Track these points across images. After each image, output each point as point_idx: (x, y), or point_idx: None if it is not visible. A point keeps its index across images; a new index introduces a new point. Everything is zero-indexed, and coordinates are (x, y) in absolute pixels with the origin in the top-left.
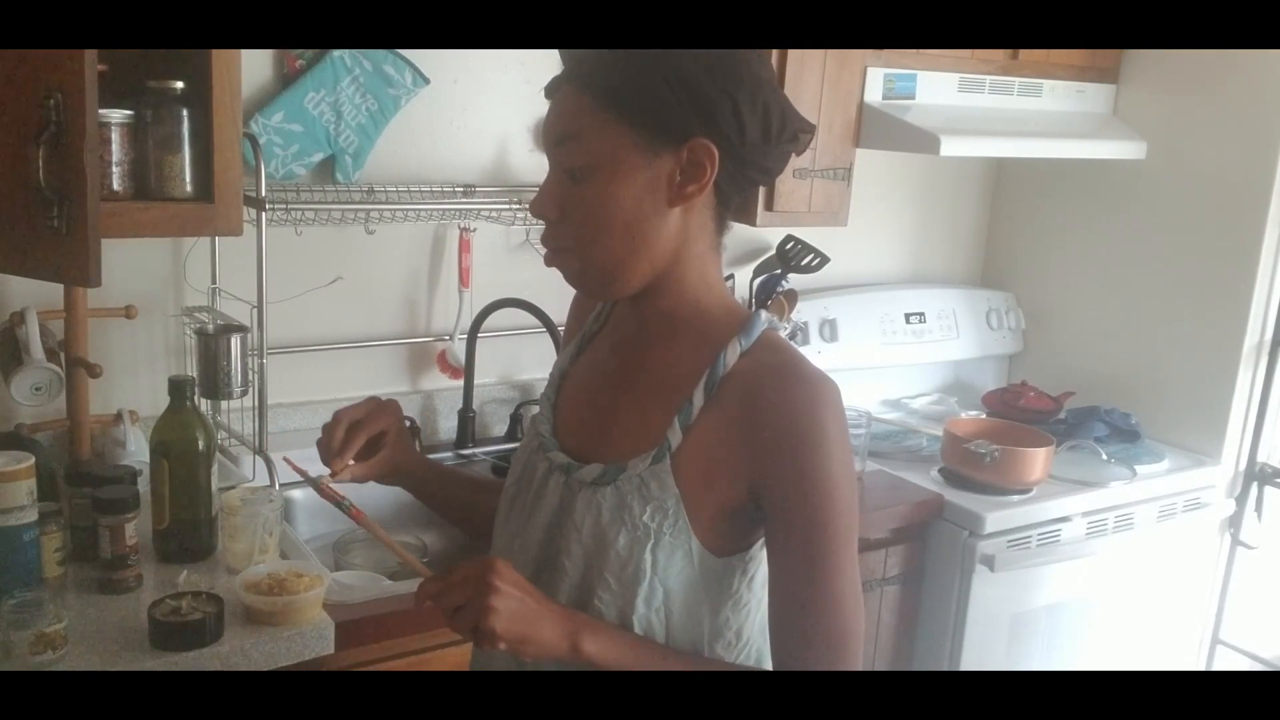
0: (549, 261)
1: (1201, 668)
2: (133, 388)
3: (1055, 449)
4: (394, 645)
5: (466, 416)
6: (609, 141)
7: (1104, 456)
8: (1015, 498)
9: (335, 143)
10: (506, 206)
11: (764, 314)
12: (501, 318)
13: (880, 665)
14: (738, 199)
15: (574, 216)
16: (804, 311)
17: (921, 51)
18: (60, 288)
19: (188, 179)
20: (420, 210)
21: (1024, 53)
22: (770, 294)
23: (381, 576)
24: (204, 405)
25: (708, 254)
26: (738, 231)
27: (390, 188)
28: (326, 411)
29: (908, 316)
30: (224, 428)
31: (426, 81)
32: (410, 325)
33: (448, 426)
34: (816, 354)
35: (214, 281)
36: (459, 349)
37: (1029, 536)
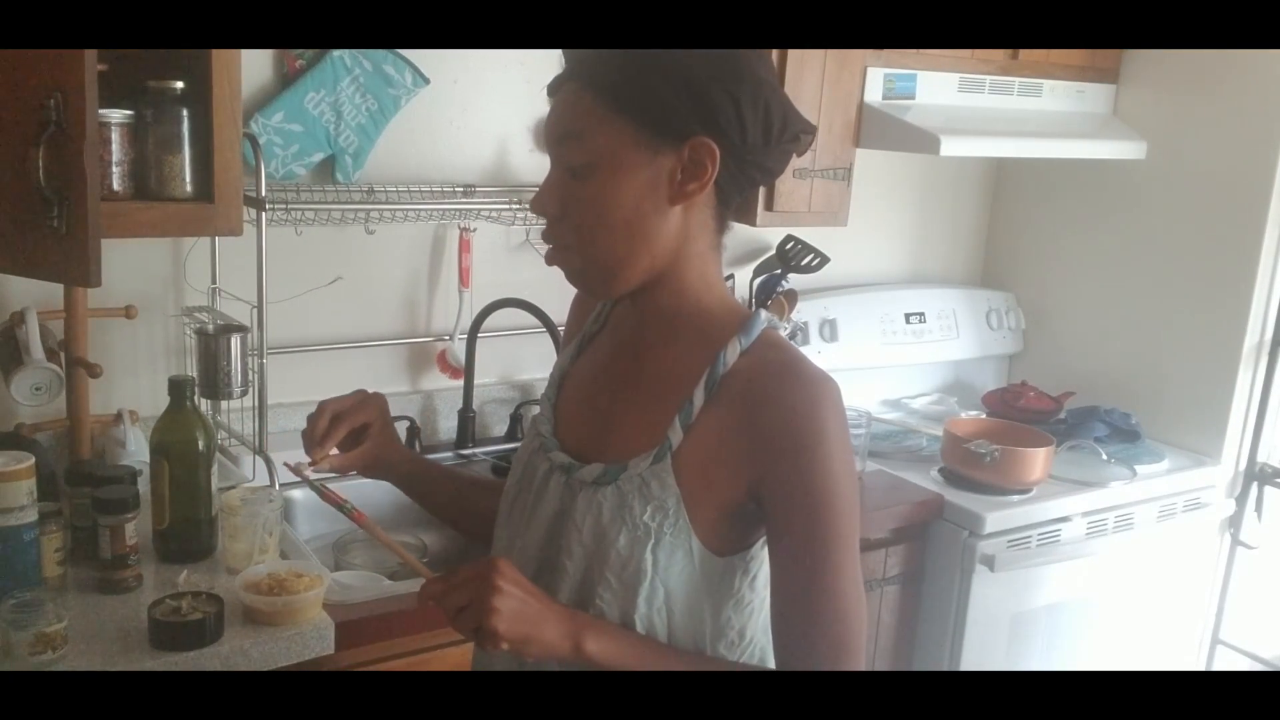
0: (550, 259)
1: (1201, 668)
2: (133, 388)
3: (1055, 449)
4: (394, 645)
5: (466, 416)
6: (610, 139)
7: (1104, 456)
8: (1015, 498)
9: (335, 143)
10: (506, 206)
11: (764, 313)
12: (501, 318)
13: (880, 665)
14: (738, 198)
15: (574, 214)
16: (804, 311)
17: (921, 51)
18: (60, 288)
19: (188, 179)
20: (420, 210)
21: (1024, 53)
22: (770, 294)
23: (381, 576)
24: (204, 405)
25: (708, 253)
26: (738, 231)
27: (390, 188)
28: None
29: (908, 316)
30: (224, 428)
31: (426, 81)
32: (410, 325)
33: (448, 426)
34: (816, 354)
35: (214, 281)
36: (459, 349)
37: (1029, 536)
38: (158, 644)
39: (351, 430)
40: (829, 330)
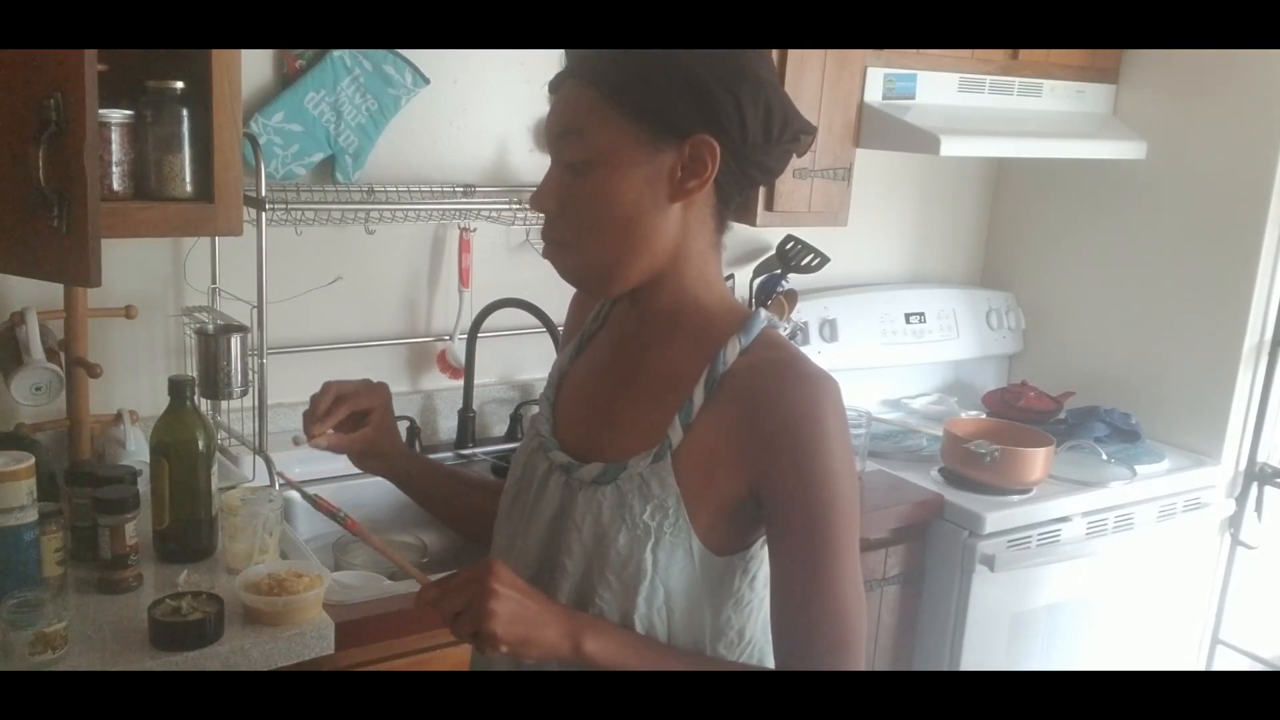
0: (546, 254)
1: (1201, 668)
2: (133, 388)
3: (1055, 449)
4: (394, 645)
5: (466, 416)
6: (611, 136)
7: (1104, 456)
8: (1015, 498)
9: (335, 143)
10: (506, 206)
11: (763, 312)
12: (501, 318)
13: (880, 665)
14: (738, 198)
15: (573, 210)
16: (804, 311)
17: (921, 51)
18: (60, 288)
19: (188, 179)
20: (420, 210)
21: (1024, 53)
22: (770, 294)
23: (381, 576)
24: (204, 405)
25: (708, 252)
26: (738, 231)
27: (390, 188)
28: (304, 408)
29: (908, 316)
30: (224, 428)
31: (426, 81)
32: (410, 325)
33: (448, 426)
34: (816, 354)
35: (214, 281)
36: (459, 349)
37: (1029, 536)
38: (158, 644)
39: (354, 413)
40: (829, 330)
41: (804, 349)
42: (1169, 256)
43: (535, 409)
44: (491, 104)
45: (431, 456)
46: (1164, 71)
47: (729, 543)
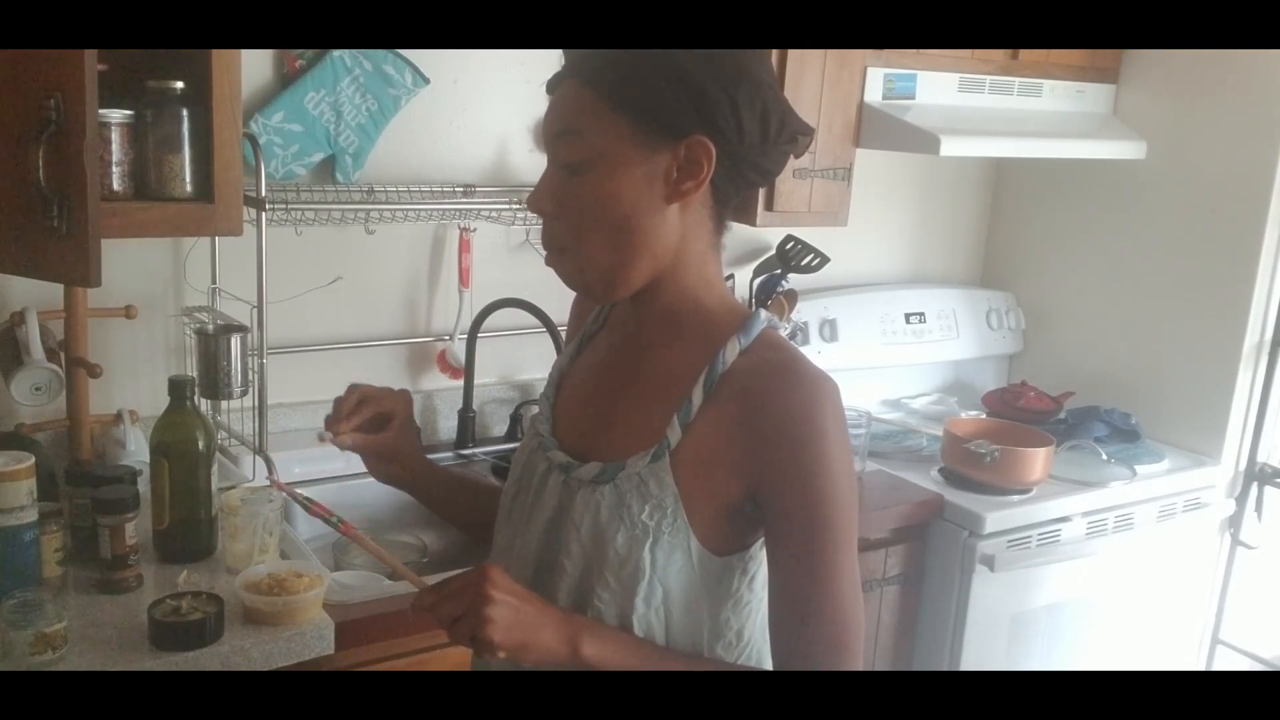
0: (549, 262)
1: (1201, 668)
2: (133, 388)
3: (1055, 449)
4: (394, 645)
5: (466, 416)
6: (607, 136)
7: (1104, 456)
8: (1015, 498)
9: (335, 143)
10: (506, 206)
11: (763, 313)
12: (501, 318)
13: (880, 665)
14: (736, 198)
15: (570, 211)
16: (804, 311)
17: (921, 51)
18: (60, 288)
19: (188, 179)
20: (420, 210)
21: (1024, 53)
22: (770, 294)
23: (381, 576)
24: (204, 405)
25: (707, 253)
26: (738, 231)
27: (390, 188)
28: (327, 412)
29: (908, 316)
30: (224, 428)
31: (426, 81)
32: (410, 325)
33: (448, 426)
34: (816, 354)
35: (214, 281)
36: (459, 349)
37: (1029, 536)
38: (158, 644)
39: (377, 415)
40: (829, 330)
41: (804, 349)
42: (1169, 256)
43: (535, 409)
44: (491, 104)
45: (431, 457)
46: (1164, 71)
47: (728, 543)
